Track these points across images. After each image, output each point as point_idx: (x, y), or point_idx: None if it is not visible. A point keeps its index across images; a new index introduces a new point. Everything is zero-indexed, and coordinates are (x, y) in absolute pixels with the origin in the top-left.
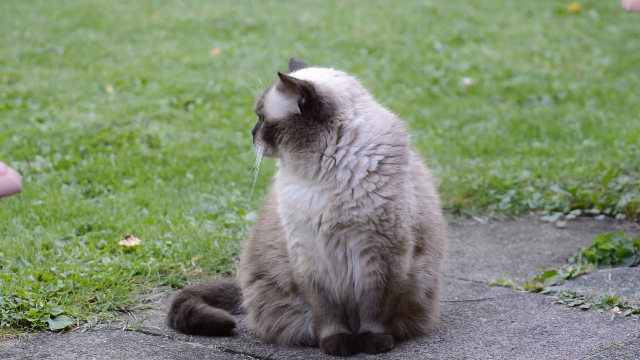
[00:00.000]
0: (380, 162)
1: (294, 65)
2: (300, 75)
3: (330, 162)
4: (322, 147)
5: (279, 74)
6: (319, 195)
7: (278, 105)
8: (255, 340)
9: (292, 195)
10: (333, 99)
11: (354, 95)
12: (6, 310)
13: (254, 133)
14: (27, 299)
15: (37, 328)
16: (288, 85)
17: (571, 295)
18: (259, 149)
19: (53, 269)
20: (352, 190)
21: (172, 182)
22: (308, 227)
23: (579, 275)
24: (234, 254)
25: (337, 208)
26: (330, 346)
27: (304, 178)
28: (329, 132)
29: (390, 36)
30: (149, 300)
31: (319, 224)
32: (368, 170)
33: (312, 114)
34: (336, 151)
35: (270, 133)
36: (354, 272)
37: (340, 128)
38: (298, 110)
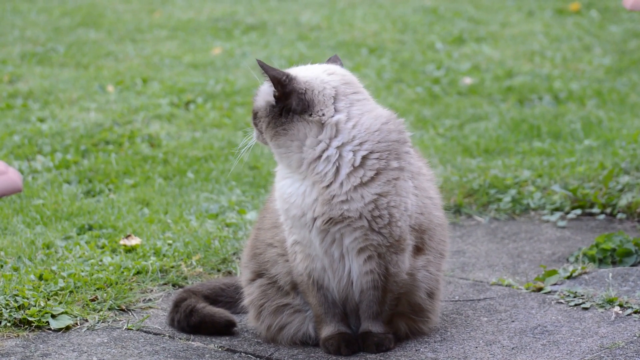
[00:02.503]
0: (364, 157)
1: (330, 61)
2: (294, 69)
3: (311, 153)
4: (302, 137)
5: (257, 61)
6: (310, 188)
7: (262, 94)
8: (256, 340)
9: (286, 189)
10: (310, 95)
11: (341, 93)
12: (7, 309)
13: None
14: (27, 298)
15: (38, 327)
16: (265, 74)
17: (572, 295)
18: (253, 135)
19: (54, 268)
20: (341, 183)
21: (173, 181)
22: (303, 223)
23: (580, 274)
24: (234, 253)
25: (328, 202)
26: (331, 345)
27: (288, 167)
28: (308, 123)
29: (391, 36)
30: (150, 300)
31: (314, 219)
32: (353, 165)
33: (286, 105)
34: (318, 143)
35: (254, 120)
36: (352, 270)
37: (320, 122)
38: (272, 101)
